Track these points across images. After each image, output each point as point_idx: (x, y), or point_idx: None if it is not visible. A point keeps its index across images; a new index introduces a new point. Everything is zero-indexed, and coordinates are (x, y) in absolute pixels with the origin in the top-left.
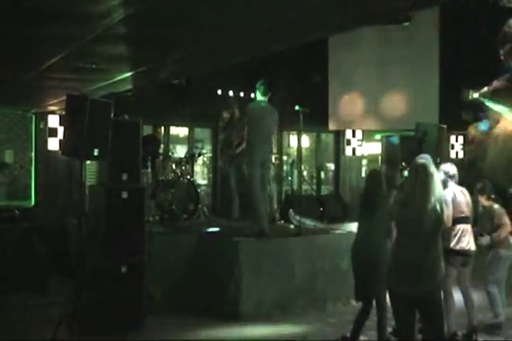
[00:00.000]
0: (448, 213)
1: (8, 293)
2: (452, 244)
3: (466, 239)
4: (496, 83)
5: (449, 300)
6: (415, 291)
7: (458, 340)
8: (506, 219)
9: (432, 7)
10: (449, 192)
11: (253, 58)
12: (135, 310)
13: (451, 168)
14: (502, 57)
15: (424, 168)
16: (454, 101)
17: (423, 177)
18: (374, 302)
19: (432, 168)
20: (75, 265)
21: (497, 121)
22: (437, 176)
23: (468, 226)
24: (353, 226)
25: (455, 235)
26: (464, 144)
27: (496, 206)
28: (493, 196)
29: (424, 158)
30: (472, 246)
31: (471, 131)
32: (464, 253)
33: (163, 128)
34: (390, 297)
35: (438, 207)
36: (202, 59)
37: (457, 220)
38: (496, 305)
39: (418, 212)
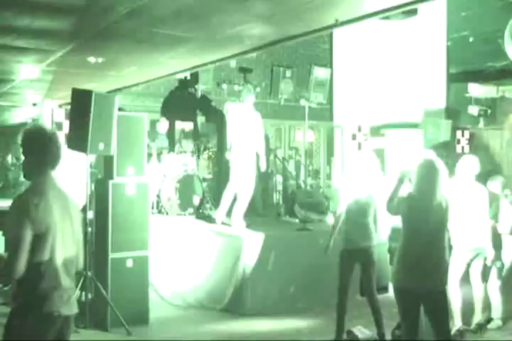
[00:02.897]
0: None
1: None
2: (459, 241)
3: (475, 236)
4: None
5: (455, 296)
6: (421, 287)
7: (464, 336)
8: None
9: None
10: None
11: (258, 52)
12: (140, 305)
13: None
14: (509, 52)
15: (431, 163)
16: (461, 95)
17: (430, 173)
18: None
19: (439, 164)
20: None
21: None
22: (444, 172)
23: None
24: None
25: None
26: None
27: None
28: (507, 192)
29: (431, 154)
30: (481, 242)
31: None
32: (474, 250)
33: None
34: (396, 292)
35: (444, 203)
36: (206, 53)
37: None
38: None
39: (425, 208)
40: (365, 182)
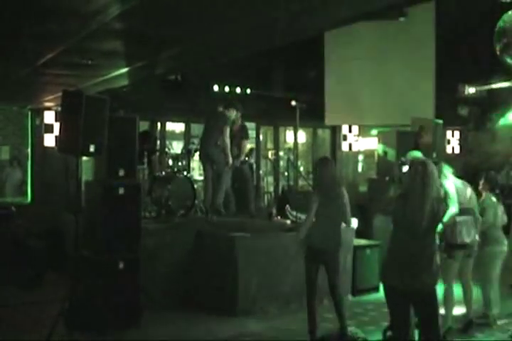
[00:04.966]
0: (452, 210)
1: (3, 289)
2: (453, 238)
3: (466, 231)
4: None
5: (448, 293)
6: (411, 287)
7: (455, 333)
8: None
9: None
10: (450, 184)
11: (249, 53)
12: (131, 306)
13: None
14: (498, 52)
15: (424, 164)
16: (450, 96)
17: (423, 173)
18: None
19: (432, 165)
20: (71, 261)
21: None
22: (436, 173)
23: (468, 218)
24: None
25: (455, 228)
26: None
27: (493, 198)
28: (497, 191)
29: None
30: (473, 238)
31: None
32: (465, 246)
33: (159, 123)
34: (385, 292)
35: (436, 203)
36: (197, 55)
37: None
38: (488, 307)
39: (417, 208)
40: (331, 183)
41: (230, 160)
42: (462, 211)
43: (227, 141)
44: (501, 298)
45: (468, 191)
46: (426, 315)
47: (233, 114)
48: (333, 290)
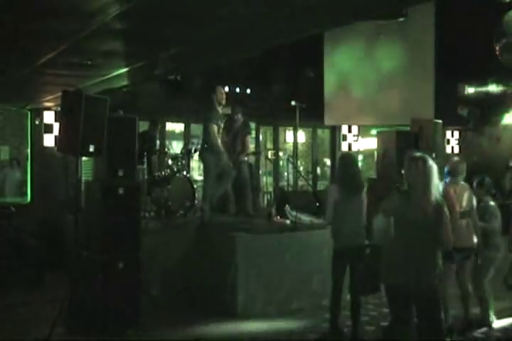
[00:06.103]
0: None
1: (3, 290)
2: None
3: (465, 235)
4: None
5: (446, 294)
6: (412, 285)
7: (454, 334)
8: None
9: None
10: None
11: (249, 54)
12: (131, 307)
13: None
14: (498, 52)
15: (424, 160)
16: (450, 96)
17: (423, 169)
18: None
19: (431, 161)
20: (71, 261)
21: None
22: (436, 169)
23: (467, 221)
24: None
25: (454, 231)
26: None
27: (492, 203)
28: (493, 191)
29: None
30: (472, 241)
31: None
32: (464, 250)
33: (159, 123)
34: (386, 291)
35: (438, 199)
36: (197, 55)
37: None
38: (486, 311)
39: (419, 204)
40: (353, 180)
41: (224, 158)
42: (461, 214)
43: (214, 139)
44: (500, 298)
45: (467, 194)
46: (428, 314)
47: (219, 98)
48: (355, 291)
